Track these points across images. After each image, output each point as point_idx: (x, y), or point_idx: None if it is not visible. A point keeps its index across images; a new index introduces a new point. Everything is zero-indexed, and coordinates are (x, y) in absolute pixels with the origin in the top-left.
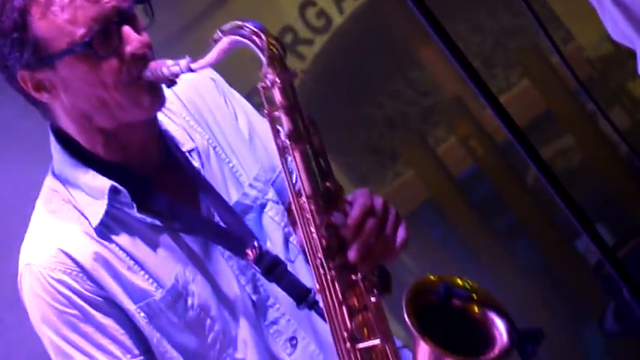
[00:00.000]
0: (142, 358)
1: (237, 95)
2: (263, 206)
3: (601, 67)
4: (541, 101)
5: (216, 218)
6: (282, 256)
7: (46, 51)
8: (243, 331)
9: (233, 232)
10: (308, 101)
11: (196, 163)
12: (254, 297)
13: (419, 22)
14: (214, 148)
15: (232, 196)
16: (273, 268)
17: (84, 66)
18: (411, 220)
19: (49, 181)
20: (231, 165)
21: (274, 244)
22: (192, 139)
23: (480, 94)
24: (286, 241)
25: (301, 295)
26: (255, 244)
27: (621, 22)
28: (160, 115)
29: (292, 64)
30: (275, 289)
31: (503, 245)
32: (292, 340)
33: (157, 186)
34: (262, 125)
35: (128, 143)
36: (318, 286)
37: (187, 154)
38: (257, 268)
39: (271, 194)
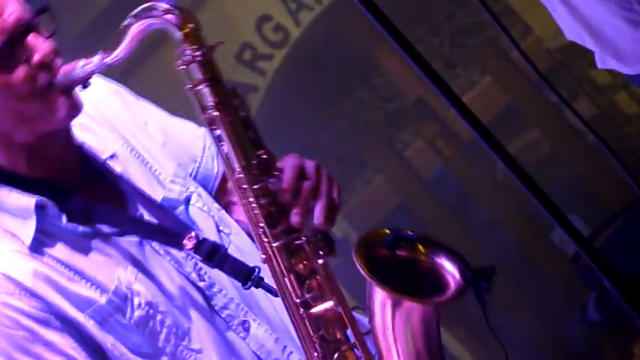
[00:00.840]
0: None
1: (145, 103)
2: (188, 199)
3: (561, 57)
4: (504, 96)
5: (147, 217)
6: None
7: None
8: (196, 321)
9: (166, 227)
10: (273, 114)
11: (118, 168)
12: (201, 284)
13: (376, 28)
14: (131, 151)
15: (158, 195)
16: (213, 254)
17: None
18: (385, 226)
19: None
20: (149, 166)
21: (207, 234)
22: (111, 147)
23: (442, 96)
24: (217, 229)
25: (245, 275)
26: (192, 233)
27: (570, 21)
28: (74, 129)
29: (253, 80)
30: (219, 275)
31: (480, 243)
32: (244, 324)
33: (82, 196)
34: (175, 124)
35: (49, 156)
36: (264, 255)
37: (106, 162)
38: (197, 256)
39: (193, 187)
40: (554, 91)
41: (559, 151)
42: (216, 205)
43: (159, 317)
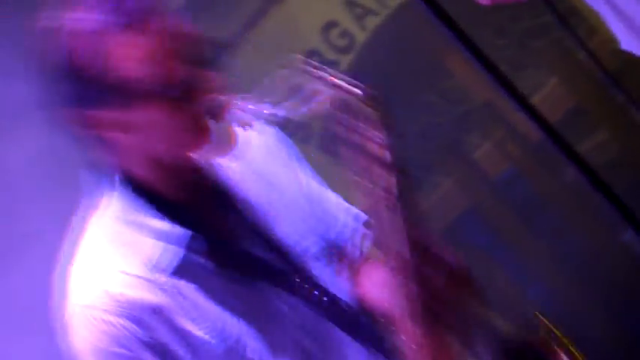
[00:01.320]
0: None
1: (303, 161)
2: (318, 256)
3: (628, 56)
4: (572, 97)
5: (280, 265)
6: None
7: (125, 92)
8: None
9: (296, 279)
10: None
11: (258, 209)
12: (318, 345)
13: (443, 32)
14: (271, 202)
15: (290, 245)
16: (343, 314)
17: (163, 108)
18: (454, 230)
19: (110, 222)
20: (286, 218)
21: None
22: (255, 186)
23: (510, 98)
24: (346, 292)
25: (377, 343)
26: (321, 289)
27: (623, 29)
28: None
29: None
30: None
31: (550, 245)
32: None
33: (223, 233)
34: (321, 190)
35: (198, 185)
36: (414, 346)
37: (246, 200)
38: (324, 313)
39: (325, 246)
40: (622, 91)
41: (628, 151)
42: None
43: None
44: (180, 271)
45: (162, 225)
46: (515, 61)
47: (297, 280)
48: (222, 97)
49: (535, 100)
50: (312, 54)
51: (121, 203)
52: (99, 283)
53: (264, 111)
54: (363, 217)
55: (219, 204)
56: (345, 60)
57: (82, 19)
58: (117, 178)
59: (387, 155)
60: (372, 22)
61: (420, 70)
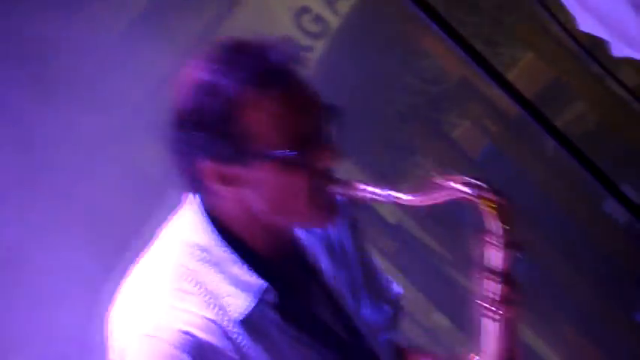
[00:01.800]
0: None
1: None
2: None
3: None
4: (548, 71)
5: (344, 336)
6: None
7: (246, 149)
8: None
9: (360, 352)
10: None
11: (327, 279)
12: None
13: (415, 12)
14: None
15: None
16: None
17: (278, 171)
18: (438, 209)
19: (183, 255)
20: (363, 293)
21: None
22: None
23: (486, 75)
24: None
25: None
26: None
27: (581, 12)
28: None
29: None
30: None
31: (533, 219)
32: None
33: (293, 291)
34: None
35: (283, 244)
36: None
37: (321, 268)
38: None
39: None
40: (597, 62)
41: (606, 121)
42: None
43: None
44: (249, 321)
45: (241, 272)
46: (489, 38)
47: (358, 351)
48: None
49: (511, 75)
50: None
51: (207, 240)
52: (167, 316)
53: (388, 194)
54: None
55: (298, 265)
56: (319, 45)
57: (216, 74)
58: (205, 214)
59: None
60: (345, 6)
61: (394, 51)
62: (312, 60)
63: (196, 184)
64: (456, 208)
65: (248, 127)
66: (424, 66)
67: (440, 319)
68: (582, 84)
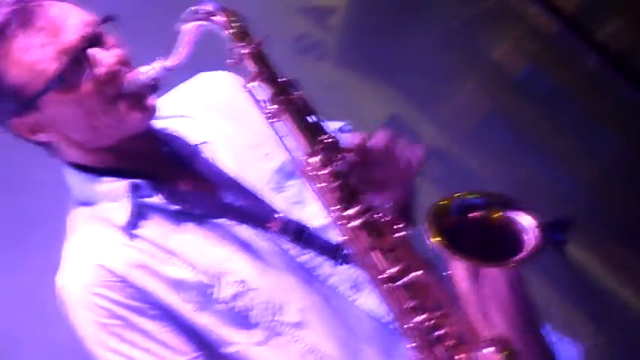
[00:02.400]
0: (194, 355)
1: None
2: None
3: None
4: None
5: (234, 201)
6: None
7: (25, 96)
8: (294, 294)
9: (253, 210)
10: (354, 34)
11: (208, 155)
12: (303, 258)
13: None
14: (242, 137)
15: (265, 173)
16: (300, 235)
17: (65, 100)
18: (480, 132)
19: (72, 212)
20: (263, 151)
21: (317, 208)
22: (206, 134)
23: None
24: None
25: (334, 252)
26: (276, 216)
27: None
28: (165, 120)
29: (330, 2)
30: None
31: (577, 137)
32: (354, 287)
33: (169, 181)
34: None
35: (132, 151)
36: (344, 237)
37: (197, 148)
38: (285, 237)
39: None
40: None
41: None
42: None
43: (251, 294)
44: (138, 219)
45: (105, 186)
46: None
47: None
48: (125, 72)
49: None
50: None
51: (75, 184)
52: (75, 265)
53: (162, 67)
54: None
55: (167, 155)
56: None
57: None
58: (66, 166)
59: None
60: None
61: None
62: None
63: (30, 142)
64: (496, 129)
65: (13, 75)
66: None
67: None
68: None
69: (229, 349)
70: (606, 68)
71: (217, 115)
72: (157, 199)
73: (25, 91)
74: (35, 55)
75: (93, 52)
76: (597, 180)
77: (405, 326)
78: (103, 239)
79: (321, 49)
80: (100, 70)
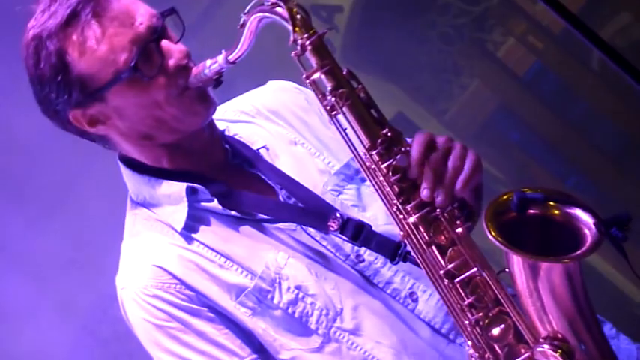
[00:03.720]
0: (252, 357)
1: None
2: (362, 180)
3: None
4: None
5: (294, 201)
6: (383, 222)
7: (93, 86)
8: (352, 300)
9: (313, 210)
10: (360, 32)
11: (268, 158)
12: (360, 265)
13: None
14: (302, 145)
15: (325, 177)
16: (359, 233)
17: (133, 90)
18: (486, 129)
19: (130, 211)
20: (322, 158)
21: (375, 213)
22: (266, 139)
23: None
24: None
25: (393, 251)
26: (337, 215)
27: None
28: (227, 123)
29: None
30: None
31: (583, 134)
32: (412, 296)
33: (229, 184)
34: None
35: (192, 150)
36: (401, 232)
37: (258, 152)
38: (343, 236)
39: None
40: None
41: None
42: None
43: (309, 300)
44: (193, 224)
45: (164, 189)
46: None
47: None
48: (192, 66)
49: None
50: None
51: (132, 184)
52: (132, 266)
53: (225, 59)
54: None
55: (229, 159)
56: None
57: (39, 23)
58: (121, 164)
59: None
60: None
61: None
62: None
63: (85, 136)
64: (502, 127)
65: (83, 65)
66: None
67: None
68: None
69: (285, 355)
70: (612, 65)
71: (279, 121)
72: (215, 204)
73: (93, 81)
74: (107, 44)
75: (164, 43)
76: (604, 176)
77: (464, 322)
78: (160, 241)
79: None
80: (172, 62)
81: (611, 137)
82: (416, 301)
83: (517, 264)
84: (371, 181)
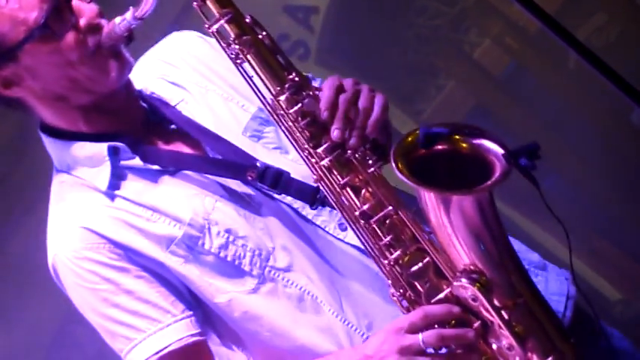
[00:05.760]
0: (186, 315)
1: None
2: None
3: None
4: None
5: (212, 154)
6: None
7: (4, 46)
8: (281, 238)
9: (231, 161)
10: (336, 33)
11: (186, 112)
12: (288, 199)
13: None
14: (215, 91)
15: (242, 122)
16: (277, 181)
17: (45, 49)
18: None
19: (55, 180)
20: (236, 101)
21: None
22: (181, 92)
23: None
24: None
25: (311, 196)
26: (256, 164)
27: None
28: (143, 82)
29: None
30: None
31: (560, 134)
32: (341, 226)
33: (148, 141)
34: None
35: (109, 111)
36: (314, 176)
37: (175, 107)
38: (262, 185)
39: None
40: None
41: (628, 31)
42: None
43: (240, 243)
44: (117, 181)
45: (85, 150)
46: None
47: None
48: (104, 25)
49: None
50: None
51: (54, 152)
52: (62, 231)
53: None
54: None
55: (147, 114)
56: None
57: None
58: (41, 134)
59: None
60: None
61: None
62: None
63: (2, 101)
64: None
65: None
66: None
67: None
68: None
69: (221, 299)
70: (587, 66)
71: (191, 72)
72: (137, 161)
73: (4, 41)
74: (18, 3)
75: (75, 2)
76: (580, 176)
77: (383, 262)
78: (86, 203)
79: (302, 48)
80: (83, 22)
81: (587, 137)
82: (345, 229)
83: (429, 200)
84: (280, 127)
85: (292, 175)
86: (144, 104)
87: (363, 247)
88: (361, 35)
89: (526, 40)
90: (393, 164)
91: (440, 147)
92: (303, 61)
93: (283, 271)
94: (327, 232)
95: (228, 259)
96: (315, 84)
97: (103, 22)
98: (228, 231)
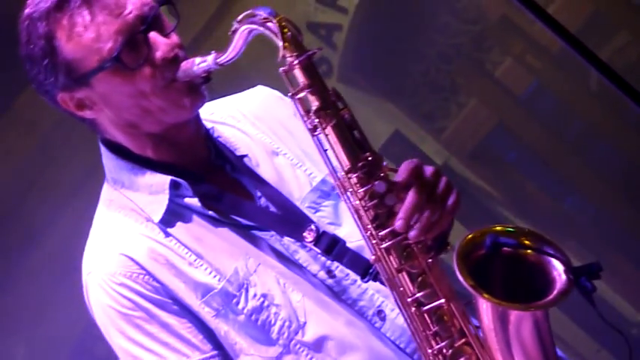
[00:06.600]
0: (212, 354)
1: None
2: (339, 196)
3: None
4: (589, 3)
5: (272, 208)
6: (357, 238)
7: (78, 71)
8: (317, 315)
9: (290, 219)
10: (358, 50)
11: (249, 165)
12: (329, 281)
13: None
14: (284, 154)
15: (304, 190)
16: (332, 247)
17: (118, 79)
18: (484, 148)
19: (105, 192)
20: (304, 169)
21: (351, 229)
22: (250, 146)
23: (526, 10)
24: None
25: (364, 269)
26: (313, 226)
27: None
28: (213, 124)
29: (335, 19)
30: None
31: (580, 154)
32: (380, 314)
33: (209, 181)
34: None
35: (176, 142)
36: (373, 257)
37: (241, 157)
38: (316, 249)
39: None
40: None
41: None
42: None
43: (273, 310)
44: (171, 218)
45: (147, 178)
46: None
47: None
48: (182, 57)
49: (552, 9)
50: None
51: (112, 168)
52: (102, 252)
53: (214, 60)
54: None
55: (211, 156)
56: None
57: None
58: (103, 147)
59: None
60: None
61: None
62: (352, 5)
63: (74, 117)
64: (499, 146)
65: (69, 49)
66: (463, 5)
67: None
68: (624, 14)
69: (243, 359)
70: (610, 85)
71: (264, 128)
72: (195, 202)
73: (78, 67)
74: (93, 32)
75: (152, 35)
76: (601, 196)
77: (427, 350)
78: (132, 230)
79: (325, 65)
80: (159, 54)
81: (609, 157)
82: (384, 319)
83: (485, 305)
84: (347, 204)
85: (345, 245)
86: (210, 145)
87: (409, 332)
88: (383, 53)
89: (548, 59)
90: (455, 265)
91: (504, 250)
92: (326, 78)
93: (309, 348)
94: (365, 319)
95: (259, 323)
96: None
97: (181, 53)
98: (264, 295)
